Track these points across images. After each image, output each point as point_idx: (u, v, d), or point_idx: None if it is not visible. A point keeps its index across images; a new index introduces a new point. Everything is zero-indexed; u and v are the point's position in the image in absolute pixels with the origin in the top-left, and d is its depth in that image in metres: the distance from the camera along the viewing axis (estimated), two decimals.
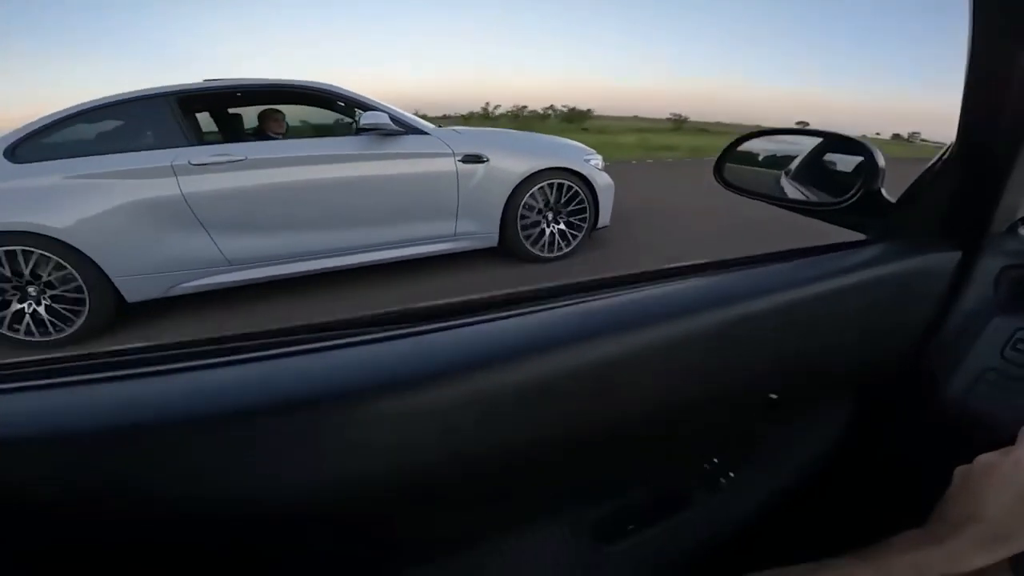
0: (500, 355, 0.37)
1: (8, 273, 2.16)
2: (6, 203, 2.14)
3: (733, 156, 0.74)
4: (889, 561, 0.33)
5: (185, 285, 2.44)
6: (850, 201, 0.63)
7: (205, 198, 2.38)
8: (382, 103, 2.84)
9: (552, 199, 3.14)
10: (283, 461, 0.33)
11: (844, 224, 0.65)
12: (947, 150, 0.56)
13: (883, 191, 0.62)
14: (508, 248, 3.10)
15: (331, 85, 2.87)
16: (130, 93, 2.37)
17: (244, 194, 2.45)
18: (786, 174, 0.75)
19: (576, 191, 3.18)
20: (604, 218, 3.35)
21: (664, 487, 0.56)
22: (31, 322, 2.22)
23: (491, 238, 3.06)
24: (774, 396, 0.54)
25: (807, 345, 0.53)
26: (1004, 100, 0.49)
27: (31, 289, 2.19)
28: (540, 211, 3.14)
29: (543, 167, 3.05)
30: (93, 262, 2.21)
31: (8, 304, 2.19)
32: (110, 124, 2.38)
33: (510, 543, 0.49)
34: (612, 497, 0.53)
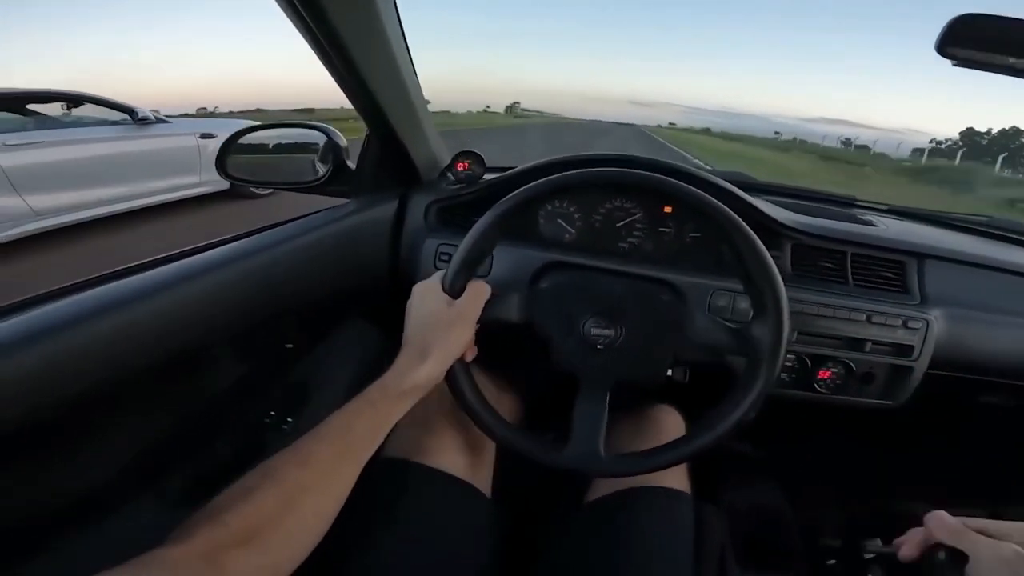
0: None
1: None
2: None
3: (234, 149, 0.83)
4: None
5: (3, 235, 3.16)
6: (327, 175, 0.83)
7: (13, 169, 3.20)
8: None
9: None
10: None
11: (329, 193, 0.84)
12: (367, 132, 0.81)
13: (348, 163, 0.84)
14: (234, 188, 4.41)
15: (91, 93, 3.89)
16: None
17: (45, 165, 3.34)
18: (284, 159, 0.90)
19: None
20: None
21: (237, 445, 0.66)
22: None
23: (224, 184, 4.20)
24: (289, 345, 0.71)
25: (305, 288, 0.71)
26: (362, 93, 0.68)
27: None
28: None
29: None
30: None
31: None
32: None
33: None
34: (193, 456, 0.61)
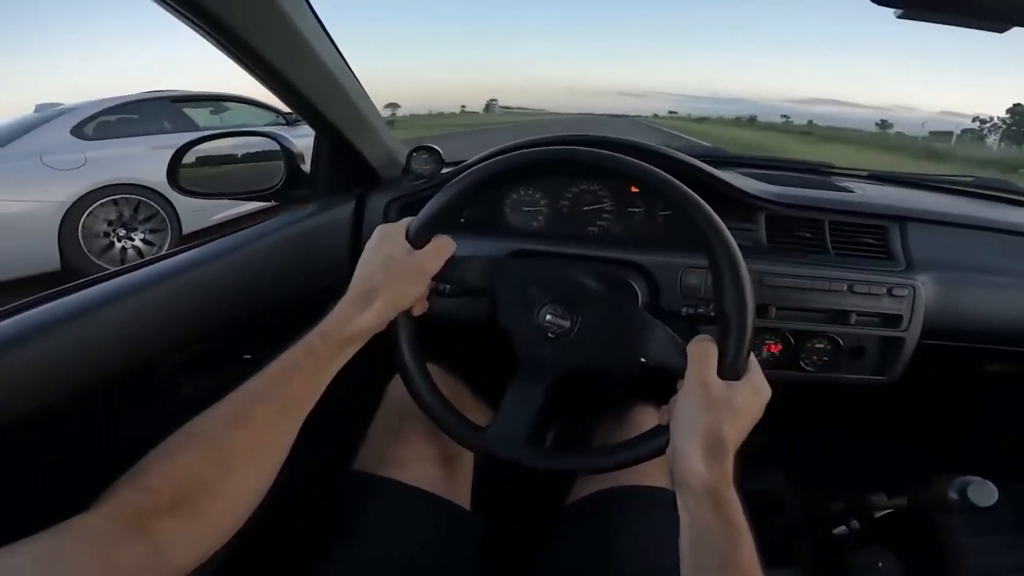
0: None
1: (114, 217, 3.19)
2: (109, 164, 3.16)
3: (184, 162, 0.81)
4: None
5: (214, 217, 3.60)
6: (282, 181, 0.80)
7: None
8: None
9: None
10: None
11: (286, 200, 0.82)
12: (315, 136, 0.78)
13: (303, 167, 0.82)
14: None
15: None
16: (133, 95, 3.58)
17: None
18: (239, 168, 0.87)
19: None
20: None
21: None
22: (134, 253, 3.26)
23: None
24: (247, 356, 0.68)
25: (262, 295, 0.69)
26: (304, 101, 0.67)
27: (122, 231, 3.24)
28: None
29: None
30: (173, 206, 3.36)
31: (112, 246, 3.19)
32: (134, 115, 3.48)
33: None
34: None
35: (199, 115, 3.89)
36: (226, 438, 0.39)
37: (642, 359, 0.61)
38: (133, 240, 3.28)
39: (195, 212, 3.45)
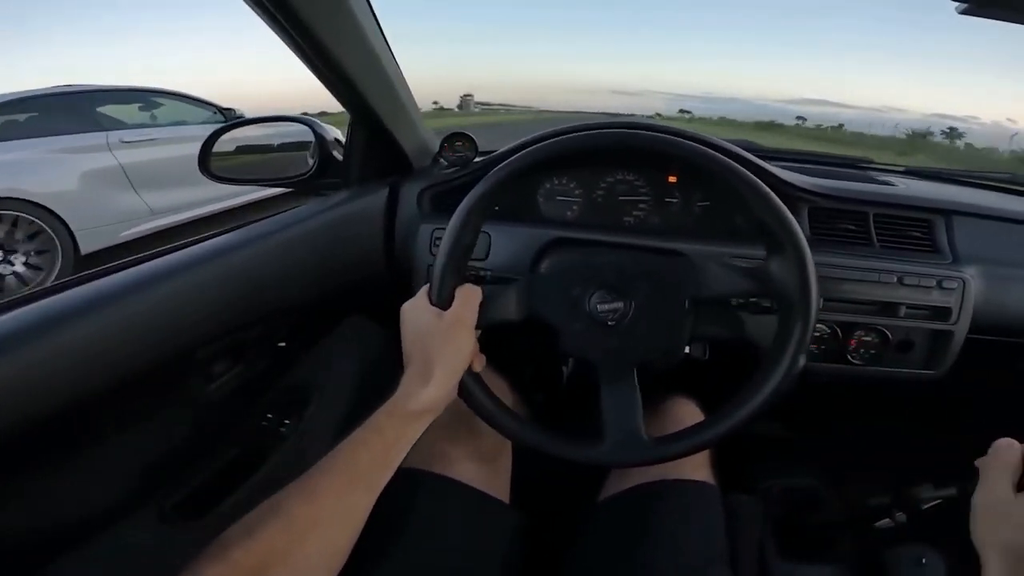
0: None
1: None
2: None
3: (216, 149, 0.80)
4: None
5: (125, 234, 3.11)
6: (314, 168, 0.79)
7: (131, 166, 3.16)
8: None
9: None
10: None
11: (318, 187, 0.81)
12: (350, 122, 0.77)
13: (335, 154, 0.81)
14: None
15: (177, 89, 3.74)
16: (33, 91, 3.03)
17: (158, 163, 3.25)
18: (269, 156, 0.87)
19: None
20: None
21: (235, 451, 0.63)
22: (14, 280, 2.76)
23: None
24: (281, 344, 0.67)
25: (295, 283, 0.68)
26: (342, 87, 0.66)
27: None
28: None
29: None
30: (65, 223, 2.83)
31: None
32: (33, 112, 2.96)
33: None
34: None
35: (126, 112, 3.46)
36: (297, 512, 0.41)
37: (686, 348, 0.60)
38: (13, 265, 2.77)
39: (96, 228, 2.94)
